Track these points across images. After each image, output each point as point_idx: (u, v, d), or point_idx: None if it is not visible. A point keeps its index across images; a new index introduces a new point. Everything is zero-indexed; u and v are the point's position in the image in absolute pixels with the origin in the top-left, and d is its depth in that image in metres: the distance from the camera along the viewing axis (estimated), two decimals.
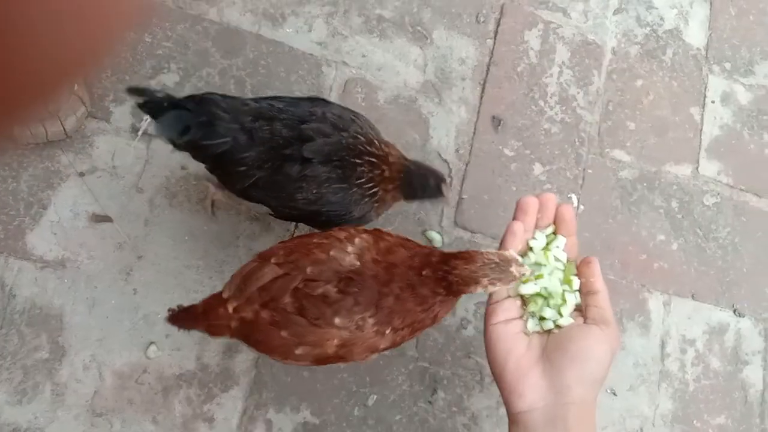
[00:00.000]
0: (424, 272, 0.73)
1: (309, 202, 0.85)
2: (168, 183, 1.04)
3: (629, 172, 1.19)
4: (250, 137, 0.81)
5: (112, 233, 1.01)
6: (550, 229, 0.87)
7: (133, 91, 0.79)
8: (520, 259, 0.74)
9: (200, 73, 1.08)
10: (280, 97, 0.87)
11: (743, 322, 1.18)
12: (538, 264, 0.84)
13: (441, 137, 1.13)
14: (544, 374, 0.77)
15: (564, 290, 0.83)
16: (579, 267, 0.86)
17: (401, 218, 1.10)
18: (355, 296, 0.73)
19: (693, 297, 1.17)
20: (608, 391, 1.10)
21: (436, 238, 1.10)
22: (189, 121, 0.79)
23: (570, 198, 1.16)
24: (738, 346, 1.16)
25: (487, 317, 0.82)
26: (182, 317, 0.78)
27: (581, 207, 1.16)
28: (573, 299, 0.83)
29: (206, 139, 0.79)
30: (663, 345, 1.14)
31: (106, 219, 1.01)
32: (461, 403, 1.05)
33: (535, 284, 0.83)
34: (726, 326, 1.17)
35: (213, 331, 0.75)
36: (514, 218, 0.85)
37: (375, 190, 0.87)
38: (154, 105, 0.79)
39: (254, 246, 1.04)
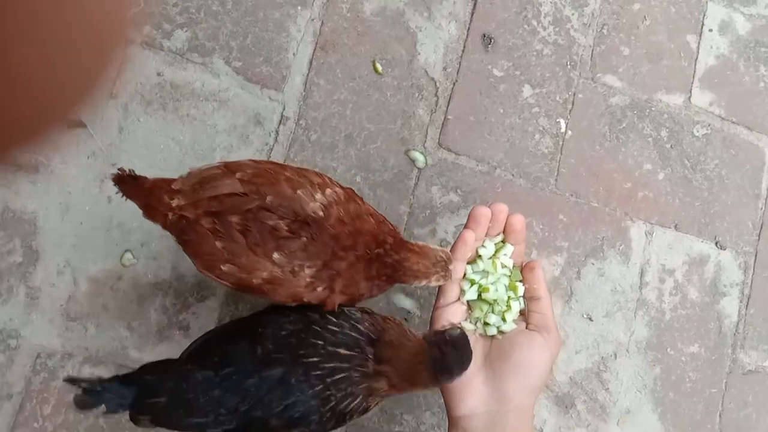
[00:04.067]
0: (377, 250, 0.72)
1: None
2: (143, 89, 1.00)
3: (620, 99, 1.16)
4: None
5: (85, 139, 0.98)
6: (499, 238, 0.88)
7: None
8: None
9: None
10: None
11: (724, 254, 1.18)
12: (485, 272, 0.86)
13: (429, 54, 1.10)
14: (486, 381, 0.80)
15: (509, 297, 0.85)
16: (522, 272, 0.88)
17: (384, 136, 1.07)
18: (304, 242, 0.70)
19: (676, 227, 1.16)
20: (584, 316, 1.11)
21: (420, 158, 1.08)
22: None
23: (558, 123, 1.14)
24: (717, 278, 1.17)
25: (433, 321, 0.84)
26: (129, 182, 0.74)
27: (569, 132, 1.14)
28: (517, 306, 0.85)
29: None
30: (642, 273, 1.14)
31: (79, 124, 0.98)
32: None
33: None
34: (707, 258, 1.17)
35: (149, 212, 0.73)
36: (466, 227, 0.86)
37: None
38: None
39: (231, 159, 1.02)
